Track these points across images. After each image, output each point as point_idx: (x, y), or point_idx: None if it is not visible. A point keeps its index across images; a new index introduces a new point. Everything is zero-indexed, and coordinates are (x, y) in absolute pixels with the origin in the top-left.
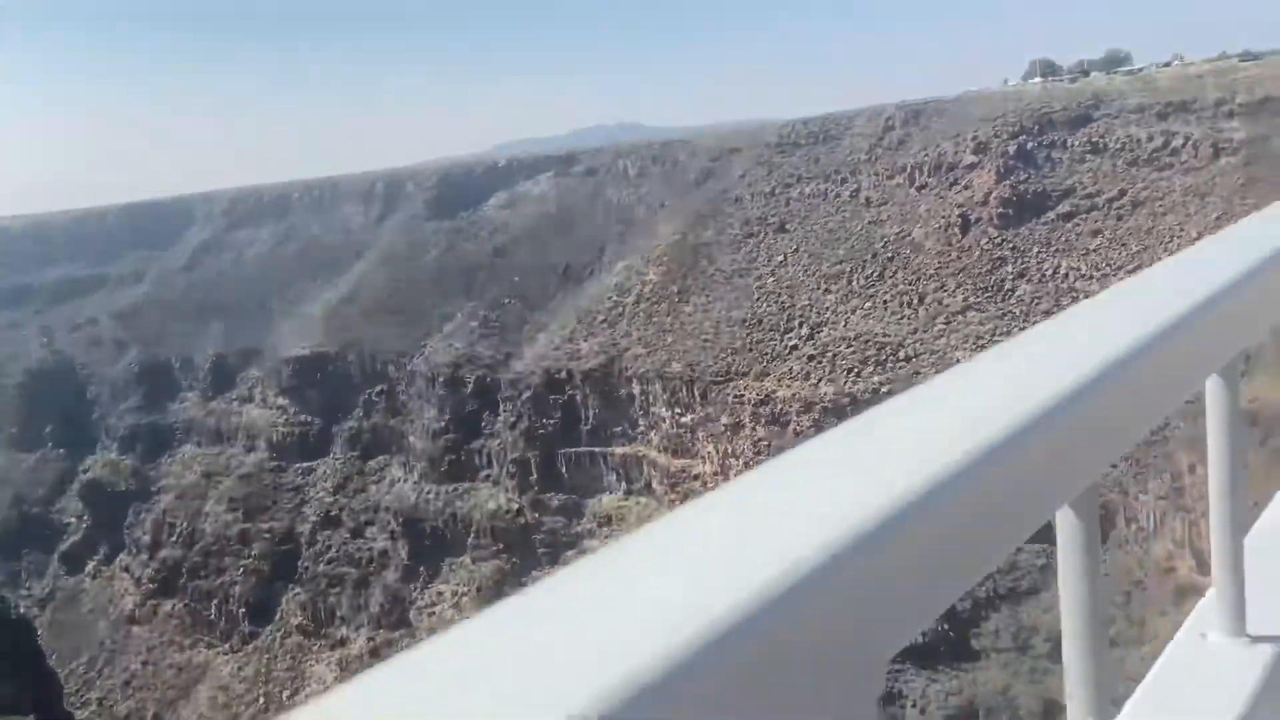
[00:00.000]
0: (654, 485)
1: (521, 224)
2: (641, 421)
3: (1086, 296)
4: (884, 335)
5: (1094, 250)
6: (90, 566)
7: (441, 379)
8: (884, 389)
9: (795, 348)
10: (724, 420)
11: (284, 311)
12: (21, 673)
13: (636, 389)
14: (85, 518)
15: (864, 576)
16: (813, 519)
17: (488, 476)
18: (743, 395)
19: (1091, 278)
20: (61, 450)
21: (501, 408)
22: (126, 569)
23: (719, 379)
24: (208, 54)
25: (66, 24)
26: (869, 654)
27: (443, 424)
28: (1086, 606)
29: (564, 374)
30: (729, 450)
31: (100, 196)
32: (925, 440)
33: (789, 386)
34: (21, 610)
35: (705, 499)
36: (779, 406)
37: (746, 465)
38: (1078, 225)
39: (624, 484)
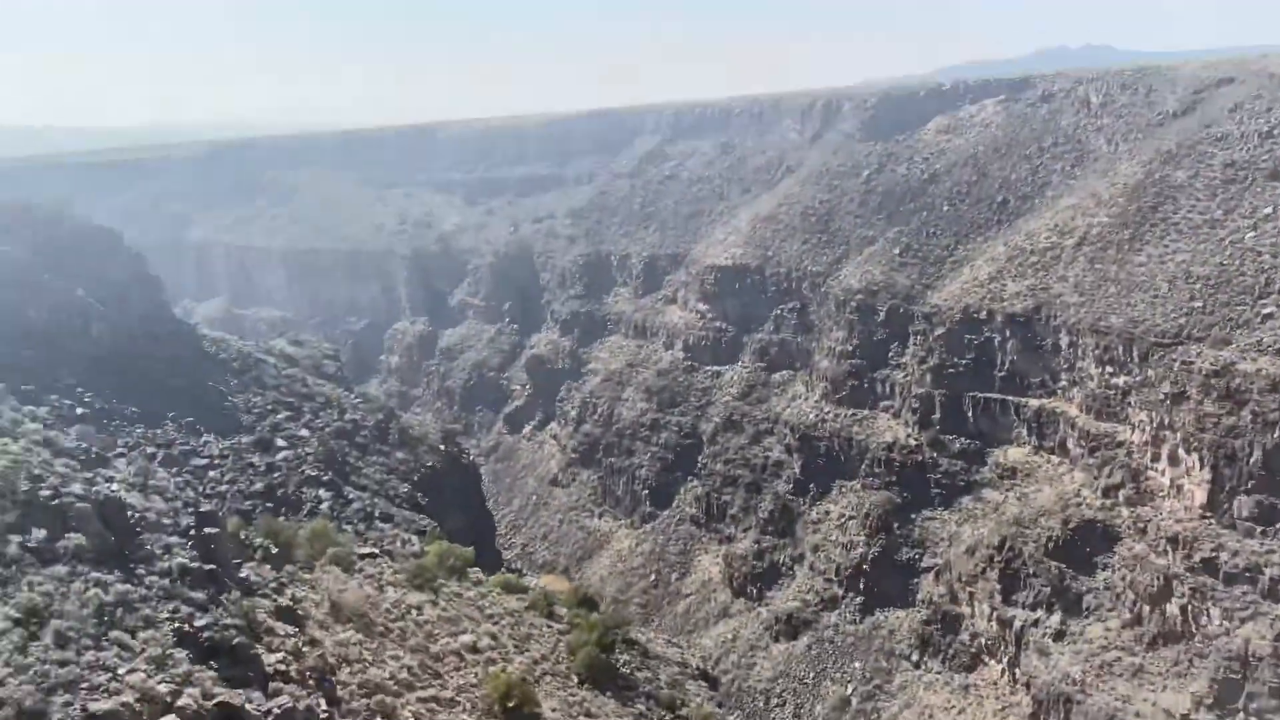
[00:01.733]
0: (1069, 445)
1: (959, 150)
2: (1064, 376)
3: None
4: None
5: None
6: (526, 430)
7: (853, 304)
8: None
9: (1270, 316)
10: (1164, 388)
11: (713, 221)
12: (467, 510)
13: (1064, 340)
14: (527, 387)
15: None
16: None
17: (889, 407)
18: (1192, 363)
19: None
20: (515, 325)
21: (911, 340)
22: (555, 437)
23: (1165, 341)
24: None
25: None
26: None
27: (850, 348)
28: None
29: (984, 314)
30: (1165, 422)
31: (567, 104)
32: None
33: (1254, 360)
34: (471, 457)
35: None
36: (1237, 381)
37: (1185, 441)
38: None
39: (1034, 438)
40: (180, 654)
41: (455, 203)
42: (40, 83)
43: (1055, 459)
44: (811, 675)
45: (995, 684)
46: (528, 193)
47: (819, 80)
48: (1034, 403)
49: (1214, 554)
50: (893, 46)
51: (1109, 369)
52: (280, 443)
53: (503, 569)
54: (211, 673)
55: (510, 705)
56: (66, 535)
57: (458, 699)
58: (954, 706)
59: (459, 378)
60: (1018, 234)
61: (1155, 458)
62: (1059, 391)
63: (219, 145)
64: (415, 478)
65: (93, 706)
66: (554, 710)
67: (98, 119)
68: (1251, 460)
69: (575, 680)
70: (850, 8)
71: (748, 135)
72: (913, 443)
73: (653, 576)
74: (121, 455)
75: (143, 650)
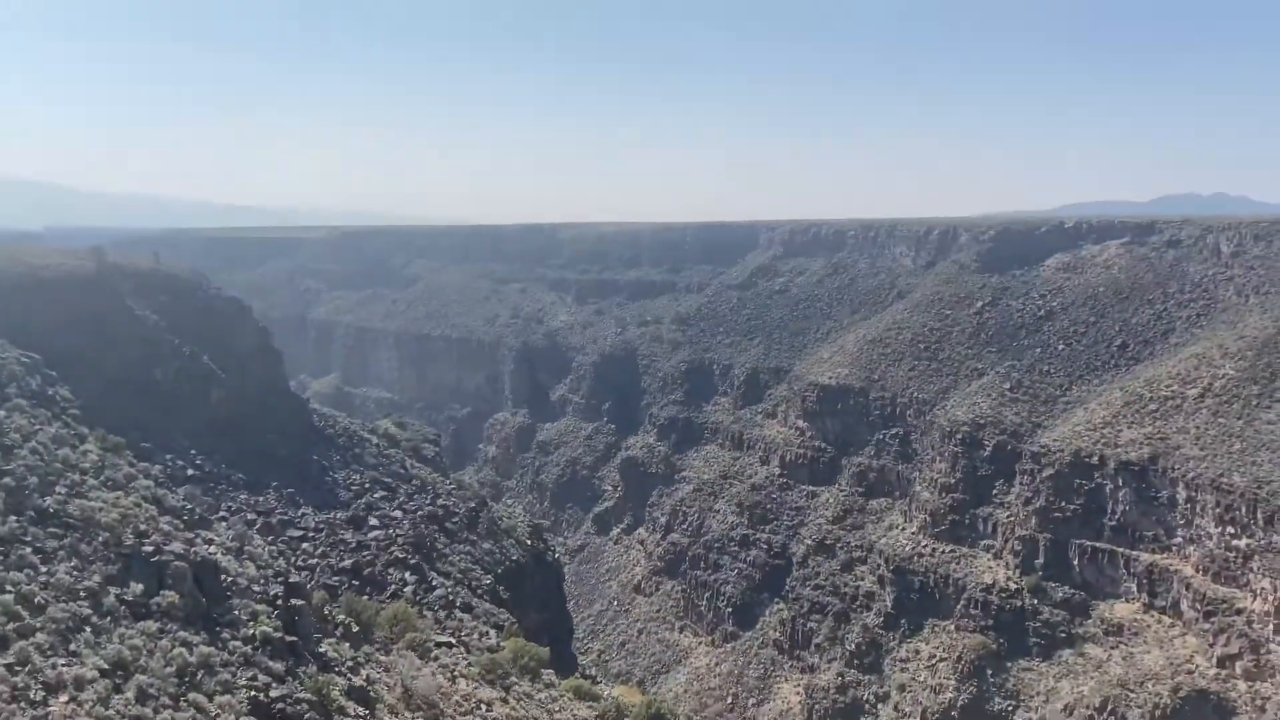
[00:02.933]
0: (1182, 606)
1: (1078, 289)
2: (1180, 532)
3: None
4: None
5: None
6: (614, 532)
7: (959, 435)
8: None
9: None
10: None
11: (819, 339)
12: (547, 609)
13: (1182, 494)
14: (619, 488)
15: None
16: None
17: (989, 546)
18: None
19: None
20: (613, 425)
21: (1018, 479)
22: (642, 543)
23: None
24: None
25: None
26: None
27: (952, 481)
28: None
29: (1096, 459)
30: None
31: (682, 214)
32: None
33: None
34: (556, 555)
35: None
36: None
37: None
38: None
39: (1145, 595)
40: None
41: (567, 301)
42: (204, 161)
43: (1167, 620)
44: None
45: None
46: (637, 296)
47: (935, 209)
48: (1146, 557)
49: None
50: (1012, 181)
51: (1230, 529)
52: (373, 521)
53: (577, 673)
54: None
55: None
56: (161, 592)
57: None
58: None
59: (552, 473)
60: (1136, 380)
61: (1278, 630)
62: (1174, 548)
63: (349, 232)
64: (499, 570)
65: None
66: None
67: (245, 197)
68: None
69: None
70: (970, 140)
71: (860, 257)
72: (1013, 586)
73: (729, 699)
74: (223, 519)
75: (217, 715)
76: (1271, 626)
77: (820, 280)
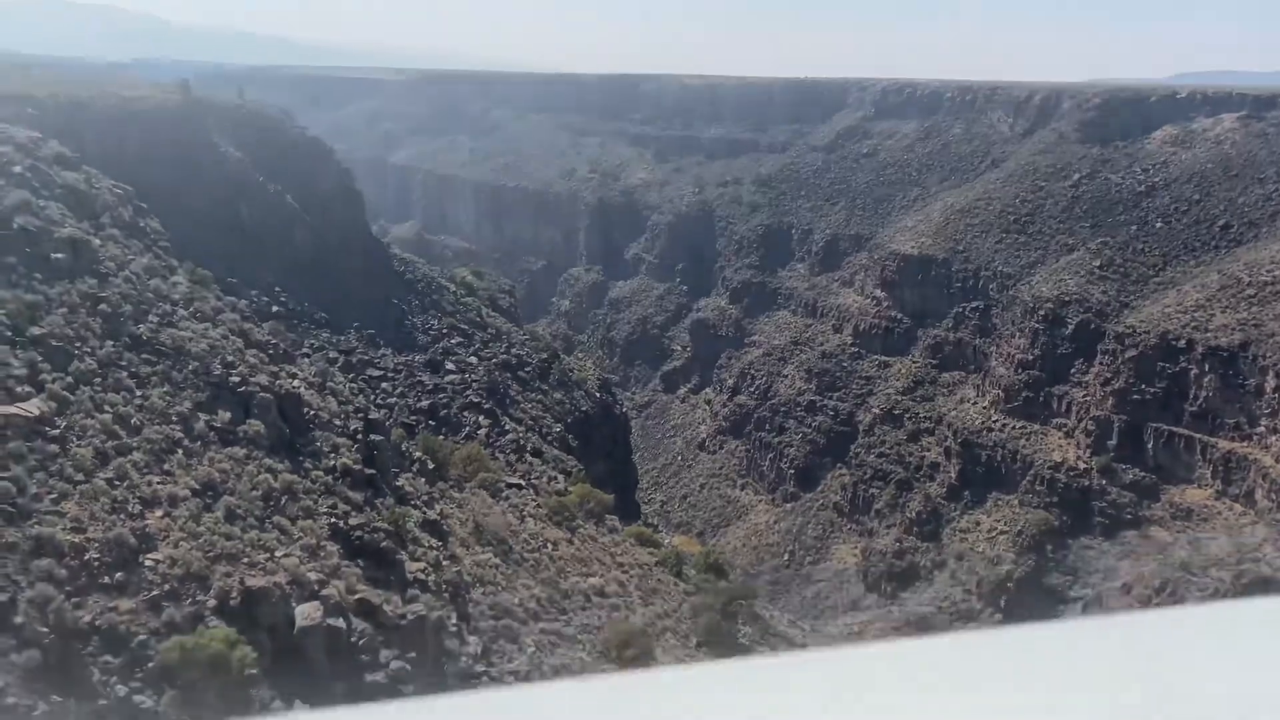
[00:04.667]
0: (1256, 495)
1: (1185, 165)
2: (1264, 422)
3: None
4: None
5: None
6: (682, 391)
7: (1042, 312)
8: None
9: None
10: None
11: (905, 206)
12: (613, 459)
13: (1271, 383)
14: (688, 349)
15: None
16: None
17: (1062, 425)
18: None
19: None
20: (685, 287)
21: (1099, 359)
22: (708, 403)
23: None
24: None
25: None
26: None
27: (1030, 358)
28: None
29: (1184, 342)
30: None
31: (769, 69)
32: None
33: None
34: (624, 409)
35: None
36: None
37: None
38: None
39: (1218, 481)
40: (332, 547)
41: (646, 157)
42: None
43: (1239, 508)
44: None
45: None
46: (718, 155)
47: (1039, 73)
48: (1224, 444)
49: None
50: (1125, 45)
51: None
52: (450, 366)
53: (639, 522)
54: (357, 569)
55: (628, 654)
56: (248, 421)
57: (579, 638)
58: None
59: (623, 330)
60: (1236, 263)
61: None
62: (1255, 437)
63: (431, 76)
64: (569, 420)
65: (249, 581)
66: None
67: (325, 34)
68: None
69: (694, 643)
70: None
71: (955, 122)
72: (1082, 466)
73: (786, 556)
74: (306, 355)
75: (299, 538)
76: None
77: (910, 145)
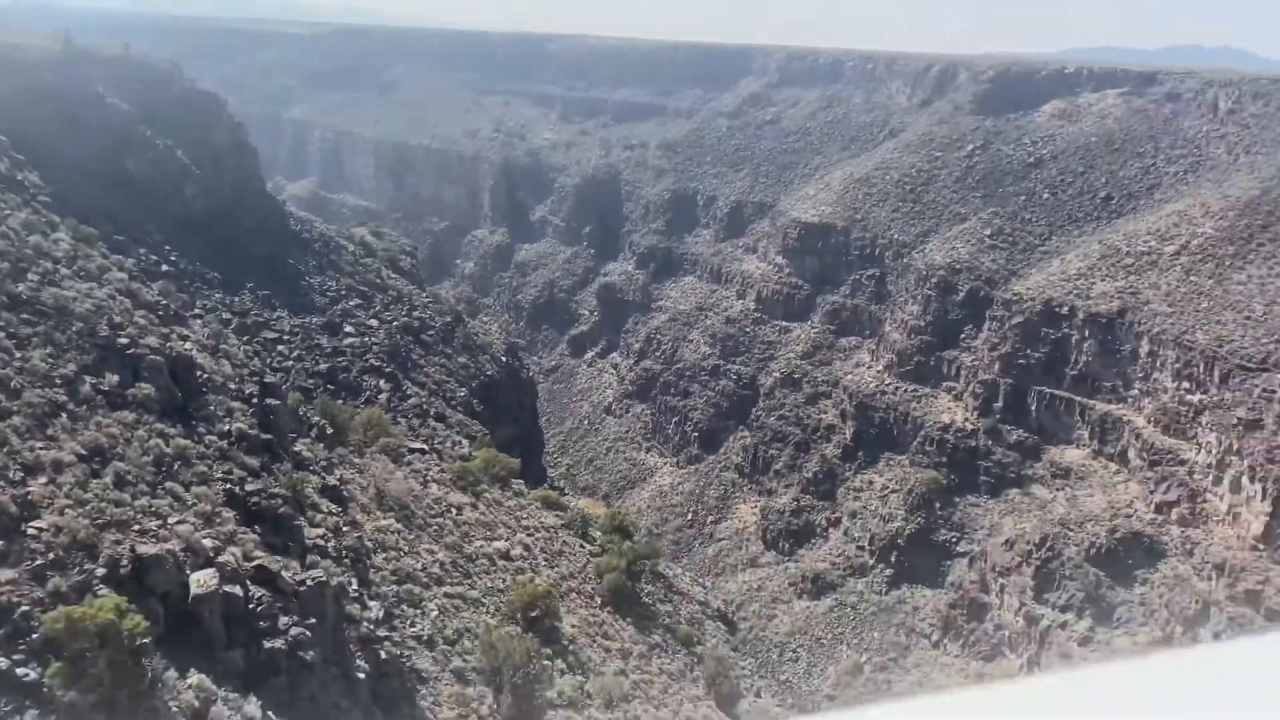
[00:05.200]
0: (1130, 454)
1: (1071, 138)
2: (1138, 385)
3: None
4: None
5: None
6: (588, 355)
7: (934, 279)
8: None
9: None
10: (1240, 413)
11: (807, 175)
12: (519, 424)
13: (1145, 348)
14: (596, 313)
15: None
16: None
17: (951, 389)
18: (1275, 391)
19: None
20: (592, 251)
21: (987, 325)
22: (615, 367)
23: (1250, 365)
24: None
25: None
26: None
27: (922, 323)
28: None
29: (1066, 309)
30: (1234, 447)
31: (675, 32)
32: None
33: None
34: (530, 373)
35: None
36: None
37: (1251, 470)
38: None
39: (1096, 442)
40: (228, 514)
41: (551, 118)
42: None
43: (1113, 466)
44: (829, 637)
45: (1011, 678)
46: (624, 118)
47: (936, 45)
48: (1102, 406)
49: (1259, 587)
50: (1020, 17)
51: (1185, 385)
52: (349, 329)
53: (545, 485)
54: (254, 536)
55: (533, 615)
56: (137, 384)
57: (484, 600)
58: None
59: (529, 294)
60: (1116, 233)
61: (1217, 481)
62: (1129, 399)
63: (330, 28)
64: (474, 384)
65: (140, 549)
66: (573, 626)
67: None
68: None
69: (599, 602)
70: None
71: (855, 91)
72: (969, 427)
73: (689, 516)
74: (198, 316)
75: (194, 504)
76: (1211, 478)
77: (813, 113)
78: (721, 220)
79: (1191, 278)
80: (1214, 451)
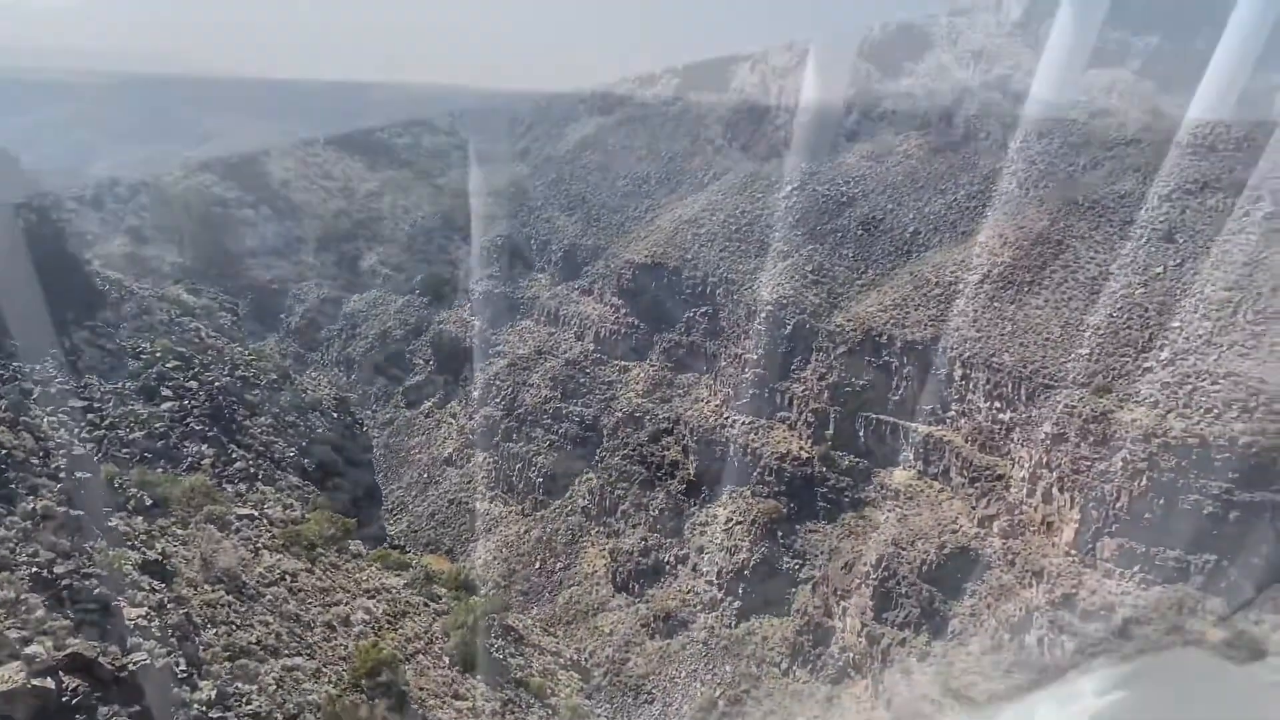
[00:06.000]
0: (951, 473)
1: (879, 178)
2: (954, 406)
3: None
4: (1261, 381)
5: None
6: (425, 406)
7: (763, 315)
8: (1244, 440)
9: (1150, 370)
10: (1046, 428)
11: (637, 217)
12: (355, 482)
13: (958, 372)
14: (431, 363)
15: None
16: None
17: (786, 419)
18: (1075, 407)
19: None
20: (425, 299)
21: (814, 356)
22: (454, 416)
23: (1051, 383)
24: None
25: None
26: None
27: (755, 358)
28: None
29: (885, 338)
30: (1044, 460)
31: (509, 80)
32: None
33: (1131, 411)
34: (365, 429)
35: None
36: (1113, 429)
37: (1060, 481)
38: None
39: (920, 463)
40: (35, 600)
41: (379, 164)
42: None
43: (938, 485)
44: (683, 675)
45: (859, 698)
46: (457, 164)
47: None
48: (923, 428)
49: (1074, 590)
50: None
51: (997, 404)
52: (166, 392)
53: (385, 544)
54: (67, 622)
55: (378, 681)
56: None
57: (324, 670)
58: (817, 717)
59: (361, 346)
60: (925, 265)
61: (1031, 494)
62: (948, 420)
63: (136, 78)
64: (304, 443)
65: None
66: (422, 689)
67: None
68: (1118, 505)
69: (447, 661)
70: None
71: (679, 137)
72: (804, 455)
73: (538, 564)
74: None
75: None
76: (1025, 490)
77: (642, 158)
78: (556, 264)
79: (995, 304)
80: (1026, 465)
